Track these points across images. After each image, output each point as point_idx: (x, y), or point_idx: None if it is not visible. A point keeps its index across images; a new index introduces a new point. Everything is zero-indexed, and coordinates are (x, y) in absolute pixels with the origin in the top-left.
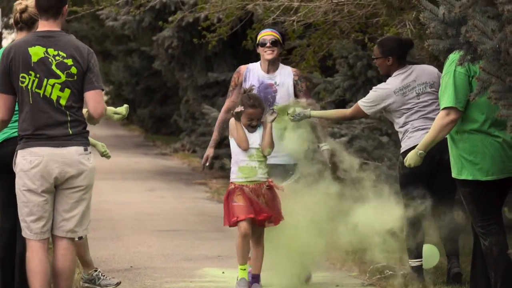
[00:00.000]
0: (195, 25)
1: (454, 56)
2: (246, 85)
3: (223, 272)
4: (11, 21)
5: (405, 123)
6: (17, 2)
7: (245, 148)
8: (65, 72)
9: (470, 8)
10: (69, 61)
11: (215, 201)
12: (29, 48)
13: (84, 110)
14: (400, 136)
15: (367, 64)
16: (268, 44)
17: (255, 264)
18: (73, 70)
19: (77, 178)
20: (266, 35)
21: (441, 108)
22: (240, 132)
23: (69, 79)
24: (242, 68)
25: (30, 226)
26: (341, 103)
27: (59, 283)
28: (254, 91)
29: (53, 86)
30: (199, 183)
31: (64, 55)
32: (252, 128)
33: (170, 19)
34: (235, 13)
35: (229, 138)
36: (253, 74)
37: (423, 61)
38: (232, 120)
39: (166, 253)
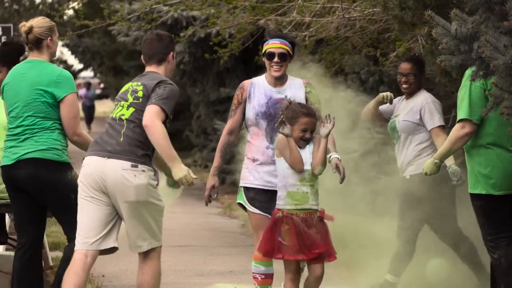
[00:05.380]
0: (206, 41)
1: (470, 71)
2: (254, 102)
3: None
4: (23, 37)
5: (429, 138)
6: (21, 24)
7: (301, 169)
8: (133, 96)
9: (483, 23)
10: (140, 87)
11: (227, 216)
12: (125, 85)
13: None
14: (420, 151)
15: (379, 79)
16: (276, 59)
17: None
18: (140, 93)
19: (122, 193)
20: (274, 47)
21: (457, 121)
22: (294, 151)
23: (135, 101)
24: (246, 83)
25: (79, 233)
26: None
27: None
28: (262, 108)
29: (122, 106)
30: None
31: (139, 83)
32: (304, 142)
33: (181, 34)
34: (246, 28)
35: (276, 157)
36: (258, 89)
37: (435, 76)
38: (282, 137)
39: (178, 269)
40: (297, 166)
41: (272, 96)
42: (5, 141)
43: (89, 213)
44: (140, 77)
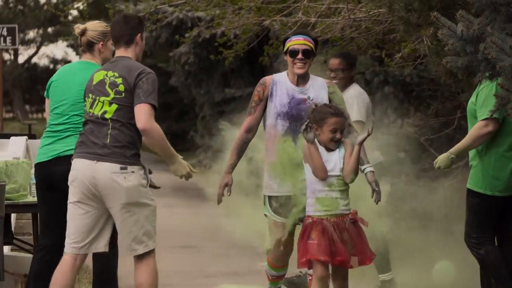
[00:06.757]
0: (211, 41)
1: None
2: (276, 101)
3: None
4: (27, 37)
5: None
6: (76, 25)
7: (323, 178)
8: (114, 90)
9: (489, 25)
10: (119, 80)
11: (232, 217)
12: (95, 74)
13: None
14: None
15: (384, 80)
16: (299, 56)
17: None
18: (121, 87)
19: (113, 196)
20: (298, 44)
21: (480, 119)
22: (316, 158)
23: (117, 96)
24: (268, 80)
25: (68, 236)
26: None
27: None
28: (284, 109)
29: (103, 102)
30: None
31: (117, 74)
32: (335, 143)
33: (186, 35)
34: (251, 29)
35: (304, 163)
36: (280, 87)
37: (440, 77)
38: (306, 144)
39: (183, 270)
40: (319, 174)
41: (294, 96)
42: (43, 137)
43: (76, 218)
44: (113, 65)
